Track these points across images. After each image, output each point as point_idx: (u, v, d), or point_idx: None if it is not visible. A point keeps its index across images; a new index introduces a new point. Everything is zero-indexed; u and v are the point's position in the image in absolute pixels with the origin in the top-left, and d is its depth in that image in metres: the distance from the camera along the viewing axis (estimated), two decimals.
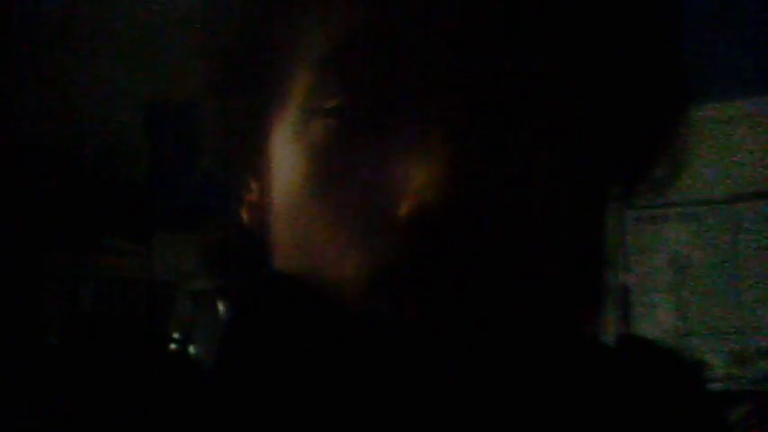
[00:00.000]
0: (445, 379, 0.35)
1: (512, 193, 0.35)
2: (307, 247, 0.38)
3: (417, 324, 0.34)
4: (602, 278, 0.41)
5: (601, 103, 0.38)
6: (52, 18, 2.04)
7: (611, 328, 1.64)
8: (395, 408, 0.35)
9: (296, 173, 0.38)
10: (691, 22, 0.42)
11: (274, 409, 0.36)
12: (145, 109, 2.25)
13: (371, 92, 0.36)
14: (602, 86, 0.38)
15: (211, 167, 0.47)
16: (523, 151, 0.36)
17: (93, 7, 2.04)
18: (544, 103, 0.36)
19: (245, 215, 0.45)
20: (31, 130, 2.09)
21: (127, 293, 2.33)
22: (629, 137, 0.41)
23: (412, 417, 0.35)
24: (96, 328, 2.19)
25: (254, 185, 0.44)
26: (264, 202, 0.42)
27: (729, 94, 1.79)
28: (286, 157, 0.39)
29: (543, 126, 0.36)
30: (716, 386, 1.75)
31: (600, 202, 0.40)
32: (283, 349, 0.37)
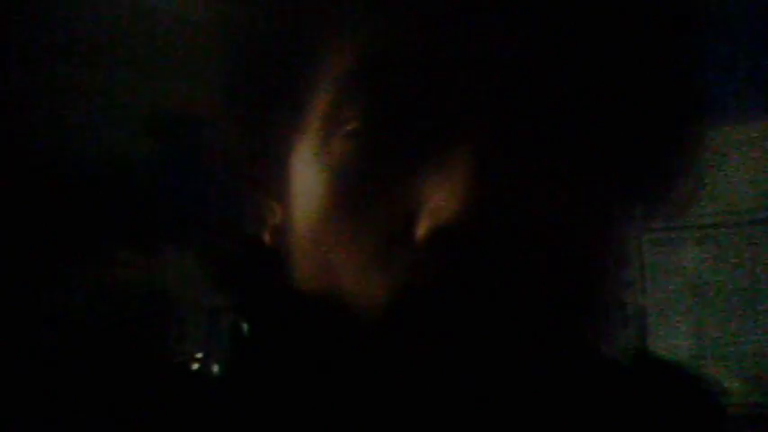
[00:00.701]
0: (467, 402, 0.34)
1: (534, 211, 0.35)
2: (327, 267, 0.37)
3: (437, 343, 0.34)
4: (621, 300, 0.41)
5: (623, 123, 0.37)
6: (60, 26, 2.05)
7: (628, 351, 1.63)
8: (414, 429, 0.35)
9: (316, 192, 0.38)
10: (713, 41, 0.42)
11: (288, 428, 0.36)
12: (155, 122, 2.26)
13: (392, 111, 0.36)
14: (626, 108, 0.37)
15: (227, 184, 0.47)
16: (547, 170, 0.36)
17: (104, 17, 2.06)
18: (569, 123, 0.36)
19: (268, 237, 0.45)
20: (38, 140, 2.11)
21: (135, 306, 2.34)
22: (650, 157, 0.41)
23: None
24: (104, 340, 2.20)
25: (276, 208, 0.44)
26: (285, 224, 0.42)
27: (747, 115, 1.79)
28: (306, 177, 0.39)
29: (567, 146, 0.36)
30: (733, 410, 1.73)
31: (622, 222, 0.40)
32: (297, 367, 0.37)
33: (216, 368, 0.39)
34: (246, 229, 0.47)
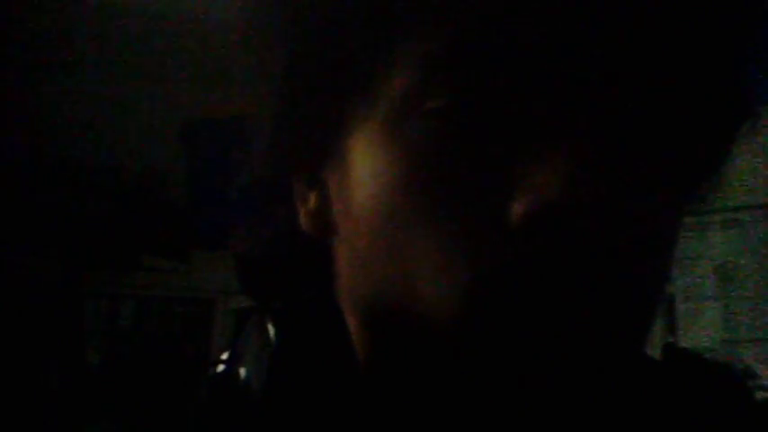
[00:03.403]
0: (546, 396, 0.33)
1: (623, 202, 0.33)
2: (401, 258, 0.35)
3: (525, 332, 0.32)
4: (664, 290, 0.40)
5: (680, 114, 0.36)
6: (91, 37, 2.07)
7: (656, 338, 1.62)
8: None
9: (386, 178, 0.36)
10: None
11: None
12: (183, 128, 2.27)
13: (484, 92, 0.33)
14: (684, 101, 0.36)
15: (256, 179, 0.46)
16: (639, 158, 0.34)
17: (134, 26, 2.07)
18: (658, 111, 0.34)
19: (306, 223, 0.42)
20: (70, 150, 2.12)
21: (166, 311, 2.35)
22: (695, 147, 0.39)
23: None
24: (136, 345, 2.21)
25: (312, 195, 0.42)
26: (325, 211, 0.40)
27: None
28: (371, 162, 0.37)
29: (656, 134, 0.34)
30: (764, 394, 1.71)
31: (683, 210, 0.39)
32: (331, 370, 0.36)
33: (242, 371, 0.39)
34: (274, 229, 0.46)
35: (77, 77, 2.09)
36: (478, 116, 0.33)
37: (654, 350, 0.44)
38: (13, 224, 1.94)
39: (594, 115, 0.33)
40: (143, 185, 2.25)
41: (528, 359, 0.32)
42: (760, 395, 0.43)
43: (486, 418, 0.34)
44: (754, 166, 1.77)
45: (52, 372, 1.94)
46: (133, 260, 2.23)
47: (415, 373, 0.35)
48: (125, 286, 2.30)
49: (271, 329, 0.37)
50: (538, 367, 0.32)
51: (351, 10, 0.36)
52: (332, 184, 0.40)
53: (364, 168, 0.37)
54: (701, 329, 1.83)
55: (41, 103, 2.05)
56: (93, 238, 2.09)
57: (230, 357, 0.40)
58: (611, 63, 0.33)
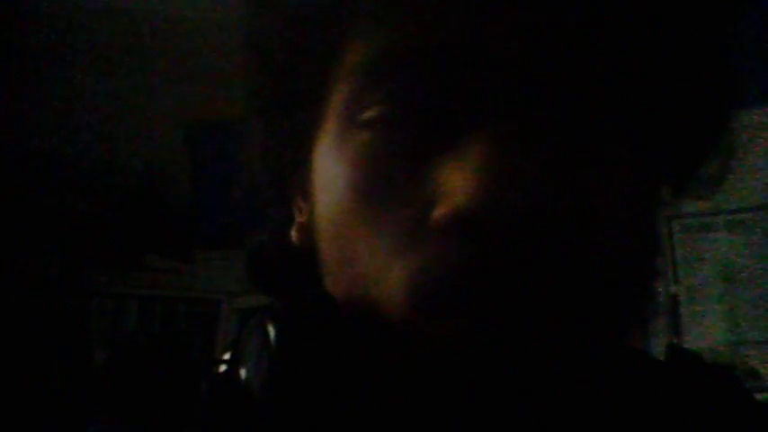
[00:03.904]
0: (490, 391, 0.34)
1: (562, 197, 0.34)
2: (352, 262, 0.37)
3: (461, 338, 0.34)
4: (652, 288, 0.40)
5: (653, 104, 0.37)
6: (93, 39, 2.07)
7: (660, 340, 1.62)
8: (441, 424, 0.34)
9: (338, 187, 0.38)
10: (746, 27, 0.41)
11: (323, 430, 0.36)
12: (186, 128, 2.27)
13: (409, 100, 0.36)
14: (656, 88, 0.37)
15: (255, 185, 0.47)
16: (575, 155, 0.35)
17: (135, 28, 2.07)
18: (598, 108, 0.35)
19: (295, 237, 0.45)
20: (73, 150, 2.13)
21: (171, 311, 2.35)
22: (679, 134, 0.40)
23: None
24: (141, 345, 2.21)
25: (303, 206, 0.44)
26: (312, 221, 0.42)
27: None
28: (328, 172, 0.39)
29: (588, 128, 0.35)
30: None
31: (650, 206, 0.39)
32: (331, 369, 0.36)
33: (243, 371, 0.39)
34: (275, 231, 0.47)
35: (82, 77, 2.09)
36: (405, 124, 0.36)
37: (659, 351, 0.44)
38: (16, 224, 1.94)
39: (508, 119, 0.34)
40: (147, 185, 2.25)
41: (472, 355, 0.34)
42: (762, 397, 0.44)
43: (463, 411, 0.34)
44: (759, 167, 1.77)
45: (55, 371, 1.94)
46: (137, 260, 2.23)
47: (392, 372, 0.36)
48: (129, 286, 2.30)
49: (271, 329, 0.38)
50: (483, 361, 0.34)
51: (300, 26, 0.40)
52: (310, 198, 0.42)
53: (321, 179, 0.39)
54: (705, 331, 1.82)
55: (45, 103, 2.05)
56: (97, 238, 2.10)
57: (231, 358, 0.41)
58: (531, 67, 0.34)
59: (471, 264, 0.33)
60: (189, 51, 2.05)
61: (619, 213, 0.36)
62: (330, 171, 0.38)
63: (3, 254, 1.91)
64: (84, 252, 2.08)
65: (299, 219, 0.45)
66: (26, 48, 2.02)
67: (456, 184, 0.33)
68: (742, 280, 1.83)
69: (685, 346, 1.74)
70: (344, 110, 0.38)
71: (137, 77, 2.15)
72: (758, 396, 0.42)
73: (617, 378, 0.37)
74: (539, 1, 0.35)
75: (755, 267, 1.83)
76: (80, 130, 2.11)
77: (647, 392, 0.39)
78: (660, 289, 1.70)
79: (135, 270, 2.26)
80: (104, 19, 2.04)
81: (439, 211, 0.34)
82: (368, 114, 0.36)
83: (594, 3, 0.35)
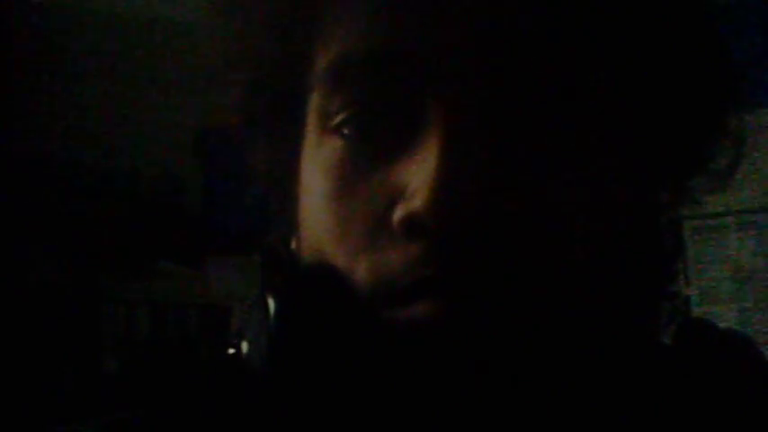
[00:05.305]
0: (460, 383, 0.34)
1: (525, 195, 0.35)
2: (326, 261, 0.38)
3: (423, 331, 0.34)
4: (660, 287, 0.40)
5: (647, 104, 0.37)
6: (102, 47, 2.08)
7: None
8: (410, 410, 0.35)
9: (314, 192, 0.39)
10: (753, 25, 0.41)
11: (321, 403, 0.37)
12: (198, 134, 2.28)
13: (368, 105, 0.37)
14: (648, 88, 0.37)
15: (260, 192, 0.48)
16: (531, 152, 0.35)
17: (143, 36, 2.08)
18: (547, 102, 0.35)
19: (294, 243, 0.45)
20: (86, 155, 2.14)
21: (182, 318, 2.36)
22: (668, 137, 0.40)
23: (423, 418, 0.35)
24: (153, 352, 2.22)
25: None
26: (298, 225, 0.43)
27: None
28: (307, 178, 0.40)
29: (555, 124, 0.35)
30: None
31: (648, 208, 0.39)
32: (329, 343, 0.37)
33: (245, 344, 0.40)
34: (275, 234, 0.47)
35: (94, 83, 2.10)
36: (366, 129, 0.37)
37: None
38: (28, 229, 1.95)
39: (464, 121, 0.34)
40: (159, 191, 2.26)
41: (436, 353, 0.34)
42: None
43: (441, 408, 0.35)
44: (767, 166, 1.77)
45: (67, 377, 1.95)
46: (149, 266, 2.24)
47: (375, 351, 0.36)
48: (141, 292, 2.31)
49: (271, 306, 0.39)
50: (449, 357, 0.34)
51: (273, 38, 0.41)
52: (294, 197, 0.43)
53: (303, 185, 0.41)
54: None
55: (58, 109, 2.06)
56: (109, 244, 2.10)
57: (233, 335, 0.42)
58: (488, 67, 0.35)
59: (427, 264, 0.34)
60: (203, 57, 2.05)
61: (597, 213, 0.36)
62: (308, 177, 0.40)
63: (16, 259, 1.92)
64: (97, 258, 2.09)
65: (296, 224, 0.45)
66: (42, 54, 2.03)
67: (412, 186, 0.34)
68: (754, 281, 1.83)
69: None
70: (318, 117, 0.39)
71: (150, 84, 2.16)
72: None
73: (624, 373, 0.37)
74: (495, 3, 0.35)
75: (766, 267, 1.82)
76: (93, 135, 2.12)
77: (658, 379, 0.39)
78: (679, 290, 1.69)
79: (147, 276, 2.26)
80: (118, 26, 2.05)
81: (396, 214, 0.34)
82: (335, 120, 0.37)
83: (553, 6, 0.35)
